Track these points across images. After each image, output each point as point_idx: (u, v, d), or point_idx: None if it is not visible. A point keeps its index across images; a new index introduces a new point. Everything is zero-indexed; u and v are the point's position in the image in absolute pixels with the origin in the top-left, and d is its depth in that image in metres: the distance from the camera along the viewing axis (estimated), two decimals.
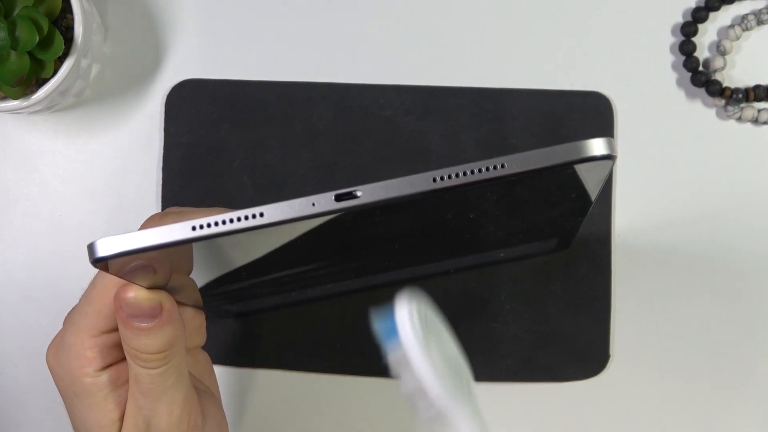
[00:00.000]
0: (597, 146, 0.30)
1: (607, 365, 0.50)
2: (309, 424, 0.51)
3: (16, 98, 0.45)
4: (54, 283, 0.51)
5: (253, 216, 0.30)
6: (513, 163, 0.30)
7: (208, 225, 0.29)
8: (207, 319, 0.42)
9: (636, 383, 0.50)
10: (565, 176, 0.31)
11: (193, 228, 0.30)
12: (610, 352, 0.50)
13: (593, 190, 0.36)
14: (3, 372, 0.51)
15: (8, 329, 0.51)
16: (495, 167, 0.29)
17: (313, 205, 0.30)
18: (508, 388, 0.50)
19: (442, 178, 0.30)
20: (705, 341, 0.50)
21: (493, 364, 0.50)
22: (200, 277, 0.38)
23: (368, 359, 0.50)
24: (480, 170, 0.30)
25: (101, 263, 0.30)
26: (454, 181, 0.30)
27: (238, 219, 0.30)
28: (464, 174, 0.30)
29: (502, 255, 0.48)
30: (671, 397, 0.50)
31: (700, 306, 0.50)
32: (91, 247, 0.30)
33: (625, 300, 0.50)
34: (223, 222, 0.29)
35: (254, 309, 0.50)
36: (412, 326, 0.27)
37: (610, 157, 0.30)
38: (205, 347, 0.43)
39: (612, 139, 0.30)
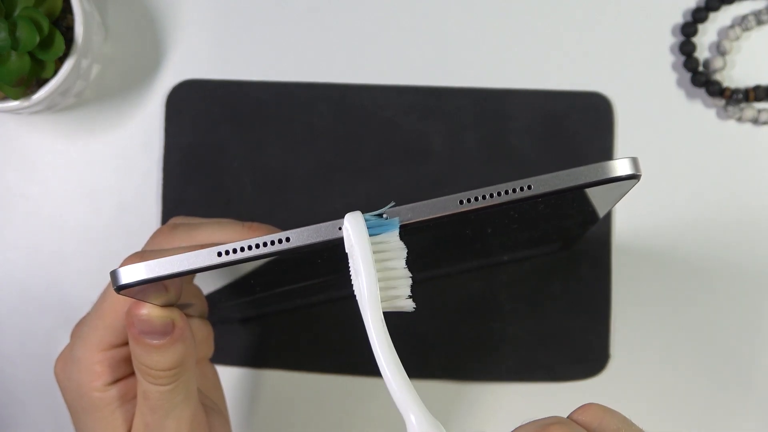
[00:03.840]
0: (622, 166, 0.30)
1: (607, 365, 0.50)
2: (310, 422, 0.51)
3: (16, 98, 0.45)
4: (54, 283, 0.51)
5: (279, 241, 0.30)
6: (539, 185, 0.30)
7: (234, 251, 0.30)
8: (213, 323, 0.42)
9: (636, 383, 0.50)
10: (584, 194, 0.32)
11: (219, 254, 0.30)
12: (610, 352, 0.50)
13: (609, 204, 0.36)
14: (3, 372, 0.51)
15: (8, 329, 0.51)
16: (522, 188, 0.30)
17: (340, 229, 0.30)
18: (508, 388, 0.50)
19: (469, 201, 0.30)
20: (705, 341, 0.50)
21: (493, 364, 0.50)
22: (206, 285, 0.38)
23: (369, 360, 0.50)
24: (507, 192, 0.30)
25: (124, 290, 0.30)
26: (481, 203, 0.30)
27: (264, 244, 0.30)
28: (491, 196, 0.30)
29: (505, 258, 0.49)
30: (671, 397, 0.50)
31: (700, 306, 0.50)
32: (114, 275, 0.30)
33: (625, 300, 0.50)
34: (249, 247, 0.30)
35: (258, 314, 0.50)
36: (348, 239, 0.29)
37: (635, 177, 0.30)
38: None
39: (636, 158, 0.30)
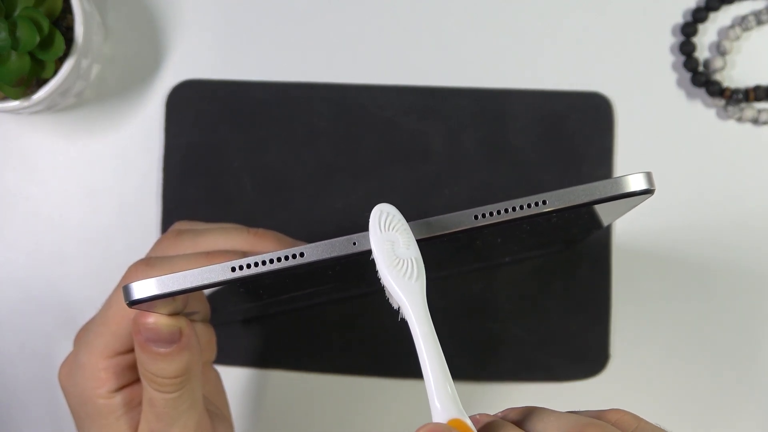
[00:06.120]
0: (636, 181, 0.30)
1: (607, 365, 0.50)
2: (312, 422, 0.51)
3: (16, 98, 0.45)
4: (54, 283, 0.51)
5: (293, 256, 0.30)
6: (554, 200, 0.30)
7: (248, 266, 0.30)
8: (214, 325, 0.42)
9: (636, 383, 0.50)
10: (592, 207, 0.32)
11: (233, 269, 0.30)
12: (610, 352, 0.50)
13: (618, 215, 0.36)
14: (3, 372, 0.51)
15: (8, 329, 0.51)
16: (537, 204, 0.30)
17: (354, 244, 0.30)
18: (508, 388, 0.50)
19: (483, 216, 0.30)
20: (705, 341, 0.50)
21: (493, 364, 0.50)
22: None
23: (369, 360, 0.50)
24: (522, 207, 0.30)
25: (137, 305, 0.30)
26: (496, 219, 0.30)
27: (279, 259, 0.30)
28: (506, 211, 0.30)
29: (506, 259, 0.49)
30: (671, 397, 0.50)
31: (700, 306, 0.50)
32: (127, 290, 0.30)
33: (625, 300, 0.50)
34: (263, 262, 0.30)
35: (260, 314, 0.50)
36: (373, 227, 0.29)
37: (649, 191, 0.30)
38: None
39: (650, 173, 0.31)
